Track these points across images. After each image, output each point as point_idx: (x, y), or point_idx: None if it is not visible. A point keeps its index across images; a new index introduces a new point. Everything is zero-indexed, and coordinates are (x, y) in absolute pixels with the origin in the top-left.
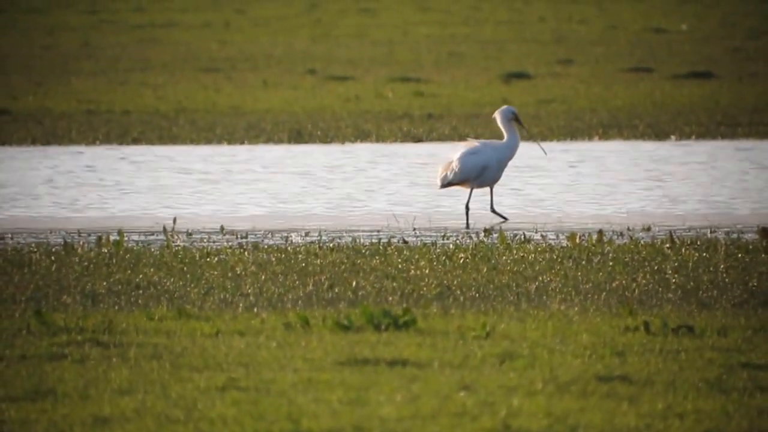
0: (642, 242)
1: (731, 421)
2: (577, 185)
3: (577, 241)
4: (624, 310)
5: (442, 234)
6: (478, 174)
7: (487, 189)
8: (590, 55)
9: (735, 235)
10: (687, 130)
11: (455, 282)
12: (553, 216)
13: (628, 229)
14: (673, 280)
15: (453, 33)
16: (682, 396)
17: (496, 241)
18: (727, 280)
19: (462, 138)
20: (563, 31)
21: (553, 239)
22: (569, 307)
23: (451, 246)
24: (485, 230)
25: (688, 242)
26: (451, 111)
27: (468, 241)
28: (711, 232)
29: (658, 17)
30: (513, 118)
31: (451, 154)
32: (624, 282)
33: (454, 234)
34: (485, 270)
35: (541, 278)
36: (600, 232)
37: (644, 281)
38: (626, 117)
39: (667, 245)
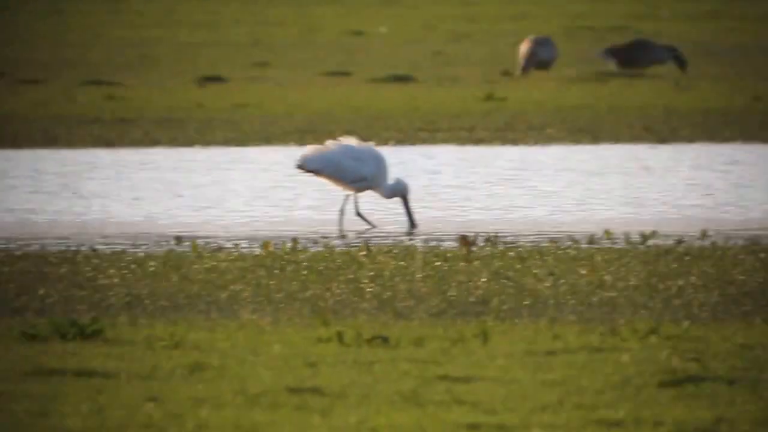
0: (337, 250)
1: None
2: (270, 189)
3: (271, 249)
4: (317, 320)
5: (132, 242)
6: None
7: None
8: (288, 58)
9: (433, 243)
10: (386, 135)
11: (145, 291)
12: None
13: (323, 236)
14: (369, 289)
15: (147, 35)
16: (375, 409)
17: (188, 249)
18: (424, 289)
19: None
20: (260, 34)
21: (246, 247)
22: (261, 316)
23: (141, 254)
24: (176, 238)
25: (385, 250)
26: (143, 115)
27: (158, 249)
28: (408, 240)
29: (358, 20)
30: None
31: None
32: (318, 291)
33: (145, 243)
34: (176, 279)
35: (232, 287)
36: (294, 240)
37: (339, 290)
38: (323, 122)
39: (363, 253)
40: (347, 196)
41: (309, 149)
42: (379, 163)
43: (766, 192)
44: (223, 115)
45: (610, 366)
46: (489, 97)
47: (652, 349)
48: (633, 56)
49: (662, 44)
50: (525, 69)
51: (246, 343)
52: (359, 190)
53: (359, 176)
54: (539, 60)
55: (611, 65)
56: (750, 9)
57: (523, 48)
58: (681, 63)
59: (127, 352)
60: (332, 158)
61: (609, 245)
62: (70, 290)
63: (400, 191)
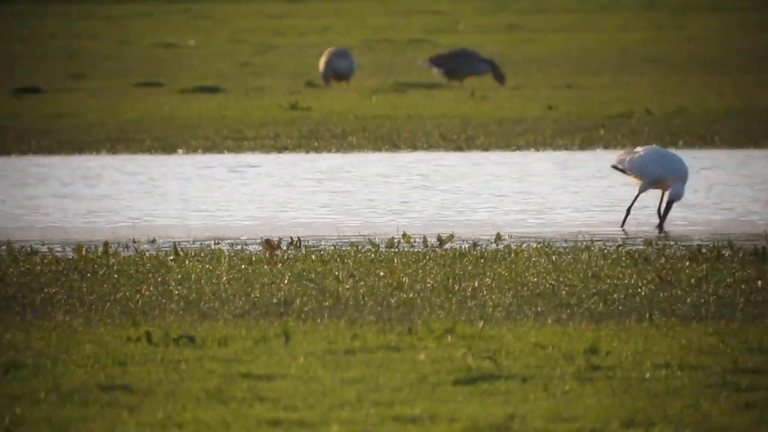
0: (147, 254)
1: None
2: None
3: (84, 253)
4: (127, 321)
5: None
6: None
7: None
8: (102, 69)
9: (239, 247)
10: (194, 144)
11: None
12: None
13: (134, 241)
14: (176, 292)
15: None
16: (182, 405)
17: (4, 253)
18: (229, 291)
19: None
20: (75, 47)
21: (60, 251)
22: (74, 317)
23: None
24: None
25: (192, 254)
26: None
27: None
28: (215, 244)
29: (168, 33)
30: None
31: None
32: (128, 293)
33: None
34: None
35: (46, 290)
36: (106, 244)
37: (148, 292)
38: (134, 131)
39: (171, 257)
40: (638, 195)
41: (622, 152)
42: (678, 167)
43: (560, 196)
44: (39, 124)
45: (407, 364)
46: (294, 107)
47: (448, 348)
48: (455, 66)
49: (483, 57)
50: (325, 80)
51: (59, 342)
52: (657, 188)
53: (656, 177)
54: (335, 71)
55: (437, 74)
56: (544, 22)
57: (322, 60)
58: (499, 77)
59: None
60: (638, 161)
61: (407, 249)
62: None
63: (681, 195)
